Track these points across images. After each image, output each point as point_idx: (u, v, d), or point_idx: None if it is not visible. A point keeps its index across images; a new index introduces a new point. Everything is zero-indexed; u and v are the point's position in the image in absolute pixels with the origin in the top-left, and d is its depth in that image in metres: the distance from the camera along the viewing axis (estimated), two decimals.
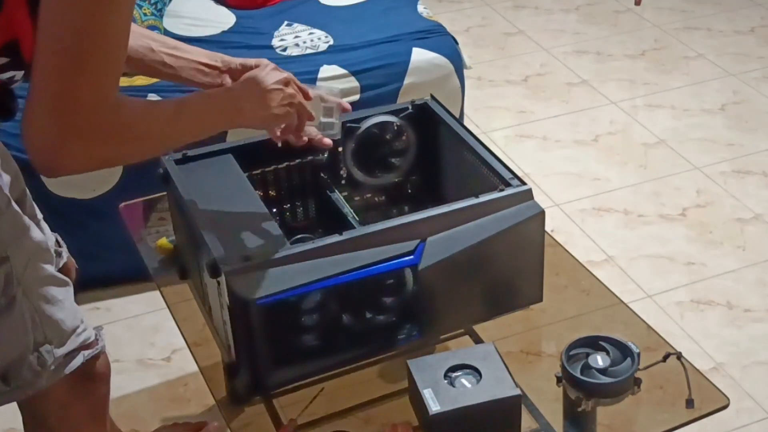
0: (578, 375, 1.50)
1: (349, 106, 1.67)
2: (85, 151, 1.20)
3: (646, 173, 3.10)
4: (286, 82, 1.52)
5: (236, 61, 1.63)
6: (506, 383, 1.46)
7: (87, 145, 1.20)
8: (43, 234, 1.52)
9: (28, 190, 1.62)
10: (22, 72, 1.37)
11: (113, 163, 1.31)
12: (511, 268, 1.61)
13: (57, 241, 1.70)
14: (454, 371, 1.49)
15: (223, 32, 2.89)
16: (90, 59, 1.16)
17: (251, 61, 1.61)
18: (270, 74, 1.51)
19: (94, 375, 1.62)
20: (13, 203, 1.44)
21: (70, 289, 1.54)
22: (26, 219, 1.47)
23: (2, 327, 1.42)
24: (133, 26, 1.57)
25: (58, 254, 1.69)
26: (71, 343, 1.52)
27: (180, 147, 1.58)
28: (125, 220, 2.02)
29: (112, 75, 1.20)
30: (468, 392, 1.45)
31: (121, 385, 2.33)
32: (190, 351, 1.78)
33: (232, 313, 1.45)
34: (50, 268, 1.50)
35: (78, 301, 2.43)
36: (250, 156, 1.73)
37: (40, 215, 1.65)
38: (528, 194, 1.59)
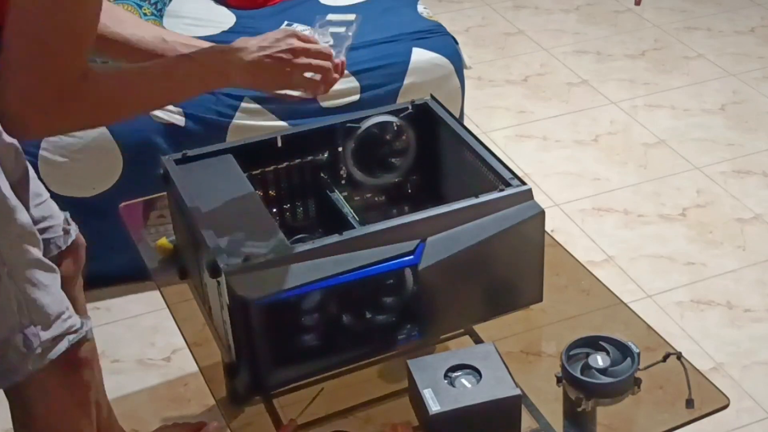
0: (578, 375, 1.50)
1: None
2: (47, 124, 1.29)
3: (646, 173, 3.10)
4: (292, 51, 1.48)
5: None
6: (506, 383, 1.46)
7: (48, 120, 1.28)
8: (31, 218, 1.53)
9: (31, 168, 1.64)
10: None
11: (81, 128, 1.40)
12: (511, 268, 1.61)
13: (66, 219, 1.75)
14: (454, 371, 1.49)
15: (223, 32, 2.89)
16: (50, 36, 1.22)
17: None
18: (264, 39, 1.48)
19: (79, 361, 1.62)
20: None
21: (57, 276, 1.55)
22: (13, 201, 1.47)
23: None
24: (144, 22, 1.57)
25: (66, 231, 1.75)
26: (56, 328, 1.52)
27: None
28: (125, 219, 2.02)
29: (75, 49, 1.25)
30: (468, 392, 1.45)
31: (121, 385, 2.33)
32: (190, 351, 1.79)
33: (232, 313, 1.45)
34: (36, 252, 1.50)
35: None
36: (250, 156, 1.73)
37: (46, 194, 1.69)
38: (528, 194, 1.59)
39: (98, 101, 1.32)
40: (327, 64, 1.54)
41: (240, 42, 1.50)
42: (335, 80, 1.56)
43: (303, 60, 1.51)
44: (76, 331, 1.57)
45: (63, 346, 1.54)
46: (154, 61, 1.50)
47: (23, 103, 1.24)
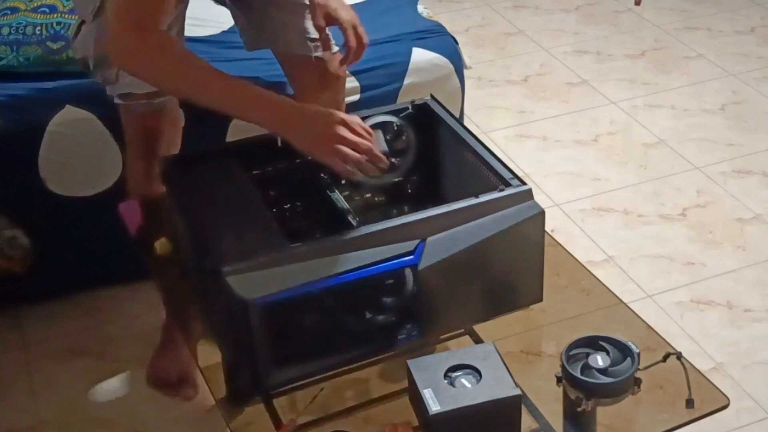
0: (578, 375, 1.50)
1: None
2: (124, 47, 1.63)
3: (646, 173, 3.10)
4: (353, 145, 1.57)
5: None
6: (506, 383, 1.46)
7: (125, 43, 1.63)
8: None
9: None
10: None
11: (141, 71, 1.67)
12: (511, 268, 1.61)
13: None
14: (454, 371, 1.49)
15: (223, 32, 2.88)
16: None
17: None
18: (336, 128, 1.57)
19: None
20: None
21: None
22: None
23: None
24: None
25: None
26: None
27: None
28: (125, 219, 2.02)
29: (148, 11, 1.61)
30: (468, 392, 1.45)
31: (121, 385, 2.33)
32: (191, 351, 1.78)
33: (231, 313, 1.45)
34: None
35: (78, 301, 2.44)
36: (250, 156, 1.73)
37: None
38: (528, 194, 1.59)
39: (152, 51, 1.61)
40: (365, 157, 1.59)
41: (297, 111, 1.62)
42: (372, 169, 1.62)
43: (345, 149, 1.56)
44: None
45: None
46: (209, 67, 1.66)
47: (114, 20, 1.62)
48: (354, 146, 1.56)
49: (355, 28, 2.03)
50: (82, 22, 1.96)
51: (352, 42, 2.00)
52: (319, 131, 1.57)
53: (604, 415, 1.55)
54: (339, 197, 1.78)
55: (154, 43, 1.61)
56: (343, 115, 1.59)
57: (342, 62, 2.04)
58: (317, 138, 1.57)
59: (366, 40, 2.03)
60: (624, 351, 1.53)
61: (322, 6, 2.03)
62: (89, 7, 1.91)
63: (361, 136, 1.57)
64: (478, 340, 1.72)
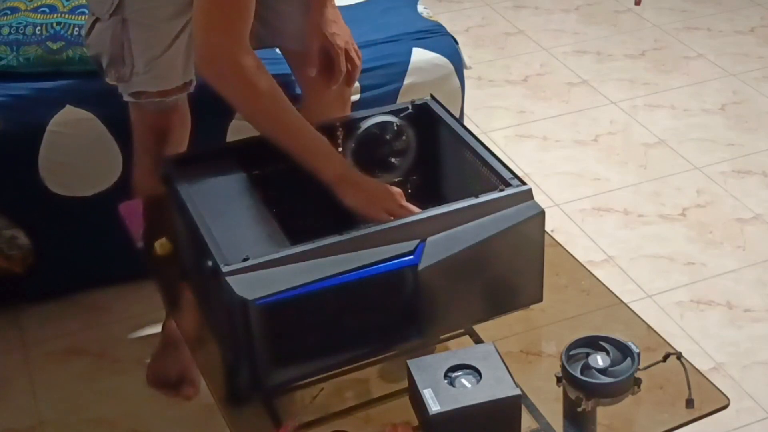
0: (578, 375, 1.50)
1: None
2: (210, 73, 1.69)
3: (646, 173, 3.10)
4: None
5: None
6: (506, 383, 1.46)
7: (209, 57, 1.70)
8: None
9: None
10: None
11: (221, 83, 1.70)
12: (511, 268, 1.61)
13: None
14: (454, 371, 1.49)
15: None
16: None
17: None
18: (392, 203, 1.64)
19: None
20: None
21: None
22: None
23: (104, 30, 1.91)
24: None
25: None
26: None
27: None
28: (125, 219, 2.02)
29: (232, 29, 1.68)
30: (468, 392, 1.45)
31: (121, 385, 2.33)
32: (190, 351, 1.78)
33: (231, 313, 1.45)
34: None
35: (78, 301, 2.44)
36: (250, 156, 1.73)
37: None
38: (528, 194, 1.59)
39: (232, 73, 1.67)
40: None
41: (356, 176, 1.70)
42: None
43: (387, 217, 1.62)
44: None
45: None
46: (294, 111, 1.72)
47: (202, 34, 1.69)
48: (405, 214, 1.62)
49: (347, 52, 2.04)
50: (96, 20, 1.94)
51: (342, 68, 2.03)
52: (377, 193, 1.66)
53: (604, 415, 1.55)
54: None
55: (246, 71, 1.66)
56: (394, 188, 1.68)
57: (331, 82, 2.05)
58: (374, 197, 1.65)
59: (359, 62, 2.09)
60: (624, 351, 1.53)
61: (317, 29, 2.01)
62: (106, 5, 1.89)
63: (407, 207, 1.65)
64: (478, 340, 1.72)
